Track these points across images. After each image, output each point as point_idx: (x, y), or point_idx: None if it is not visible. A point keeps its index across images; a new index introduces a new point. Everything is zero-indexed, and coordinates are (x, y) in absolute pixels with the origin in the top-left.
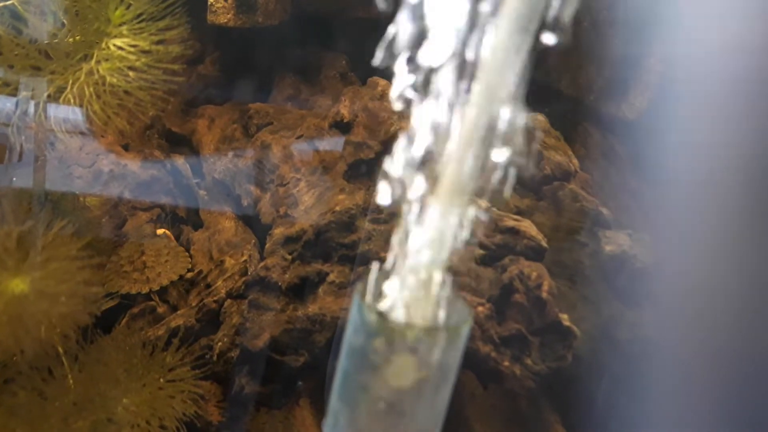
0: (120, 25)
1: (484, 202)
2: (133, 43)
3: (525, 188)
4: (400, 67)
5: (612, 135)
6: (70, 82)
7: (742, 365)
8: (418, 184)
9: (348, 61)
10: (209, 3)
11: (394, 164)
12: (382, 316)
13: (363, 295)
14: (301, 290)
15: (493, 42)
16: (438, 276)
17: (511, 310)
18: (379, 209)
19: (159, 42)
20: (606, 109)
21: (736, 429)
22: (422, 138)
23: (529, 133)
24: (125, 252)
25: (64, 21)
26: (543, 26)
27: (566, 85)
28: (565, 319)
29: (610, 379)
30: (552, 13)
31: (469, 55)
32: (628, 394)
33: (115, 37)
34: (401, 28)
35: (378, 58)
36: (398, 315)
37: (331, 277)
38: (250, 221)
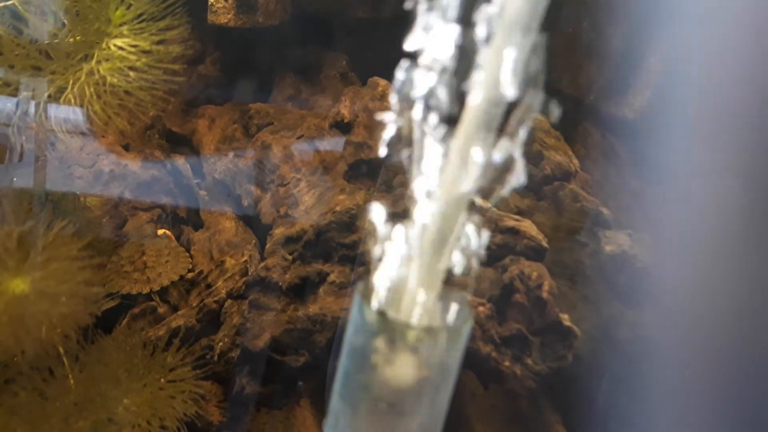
0: (120, 25)
1: (484, 202)
2: (134, 43)
3: (525, 188)
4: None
5: (612, 135)
6: (71, 82)
7: (742, 365)
8: (420, 181)
9: (348, 61)
10: (209, 3)
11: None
12: (383, 315)
13: (364, 294)
14: (301, 290)
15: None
16: (438, 276)
17: (511, 310)
18: None
19: (159, 42)
20: (606, 109)
21: (736, 429)
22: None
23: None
24: (126, 252)
25: (65, 21)
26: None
27: (566, 84)
28: (565, 319)
29: (611, 379)
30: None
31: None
32: (629, 394)
33: (116, 37)
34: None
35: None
36: (399, 315)
37: (332, 277)
38: (251, 221)
